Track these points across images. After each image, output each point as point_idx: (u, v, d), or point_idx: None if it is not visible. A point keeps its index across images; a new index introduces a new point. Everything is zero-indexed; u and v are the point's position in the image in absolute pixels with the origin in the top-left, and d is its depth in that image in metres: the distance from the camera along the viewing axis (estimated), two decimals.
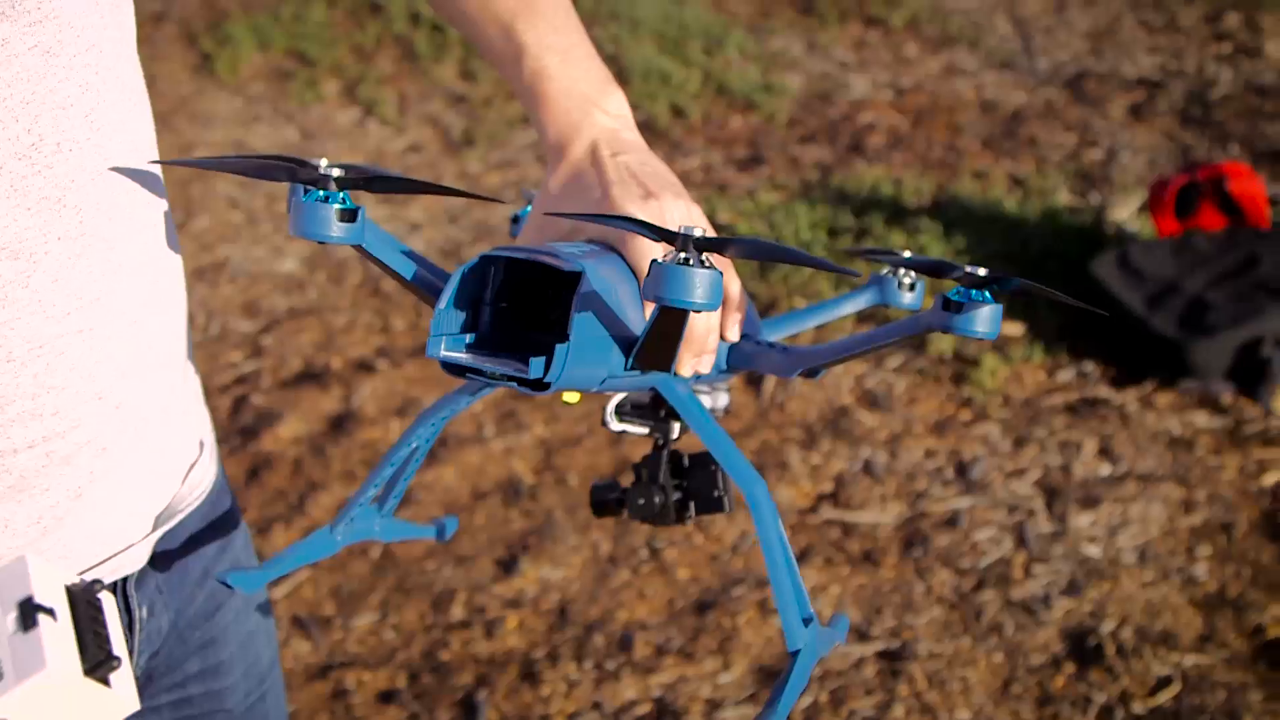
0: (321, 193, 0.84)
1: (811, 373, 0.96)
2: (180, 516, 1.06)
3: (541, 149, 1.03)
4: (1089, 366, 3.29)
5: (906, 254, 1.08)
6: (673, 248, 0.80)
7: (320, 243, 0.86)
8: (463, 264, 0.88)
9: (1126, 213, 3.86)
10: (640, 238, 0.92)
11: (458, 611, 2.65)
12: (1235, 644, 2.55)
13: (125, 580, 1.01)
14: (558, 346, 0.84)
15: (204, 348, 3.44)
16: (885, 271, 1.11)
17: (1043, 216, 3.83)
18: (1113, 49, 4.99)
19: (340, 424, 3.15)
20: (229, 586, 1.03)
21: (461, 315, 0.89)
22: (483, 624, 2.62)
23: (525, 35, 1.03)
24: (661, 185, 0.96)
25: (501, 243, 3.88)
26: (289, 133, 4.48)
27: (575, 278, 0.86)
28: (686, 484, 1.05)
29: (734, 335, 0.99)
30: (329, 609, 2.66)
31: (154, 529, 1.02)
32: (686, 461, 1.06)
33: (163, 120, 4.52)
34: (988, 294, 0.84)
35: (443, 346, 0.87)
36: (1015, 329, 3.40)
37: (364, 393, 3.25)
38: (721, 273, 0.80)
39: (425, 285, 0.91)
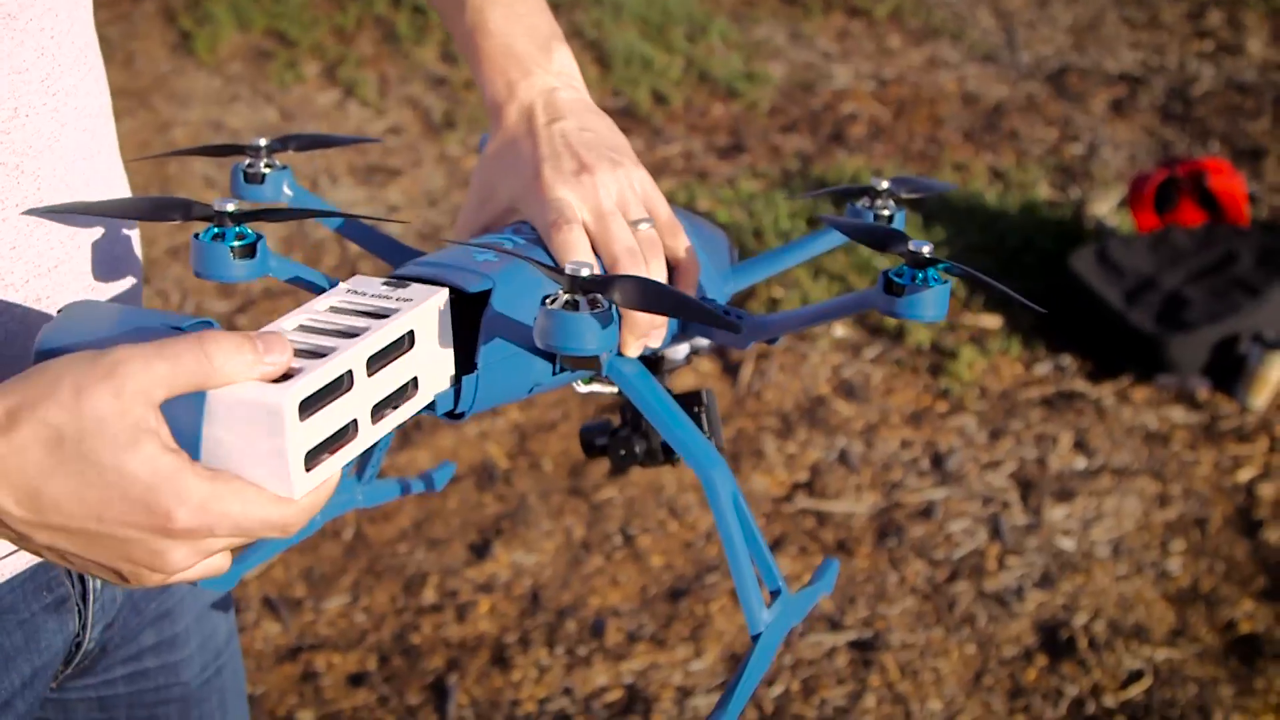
0: (215, 229, 0.82)
1: (770, 340, 0.93)
2: None
3: None
4: (1066, 360, 3.29)
5: (884, 184, 1.04)
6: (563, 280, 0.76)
7: (225, 283, 0.85)
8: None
9: (1106, 207, 3.86)
10: (559, 231, 0.88)
11: (429, 595, 2.63)
12: (1207, 638, 2.55)
13: None
14: (465, 378, 0.82)
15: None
16: (860, 203, 1.05)
17: (1022, 210, 3.83)
18: (1095, 44, 4.99)
19: None
20: (201, 587, 1.02)
21: None
22: (454, 608, 2.61)
23: None
24: (597, 156, 0.93)
25: None
26: (268, 113, 4.45)
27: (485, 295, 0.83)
28: None
29: None
30: (300, 591, 2.64)
31: None
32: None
33: (140, 98, 4.49)
34: (933, 274, 0.81)
35: None
36: (993, 321, 3.40)
37: None
38: (613, 313, 0.76)
39: None
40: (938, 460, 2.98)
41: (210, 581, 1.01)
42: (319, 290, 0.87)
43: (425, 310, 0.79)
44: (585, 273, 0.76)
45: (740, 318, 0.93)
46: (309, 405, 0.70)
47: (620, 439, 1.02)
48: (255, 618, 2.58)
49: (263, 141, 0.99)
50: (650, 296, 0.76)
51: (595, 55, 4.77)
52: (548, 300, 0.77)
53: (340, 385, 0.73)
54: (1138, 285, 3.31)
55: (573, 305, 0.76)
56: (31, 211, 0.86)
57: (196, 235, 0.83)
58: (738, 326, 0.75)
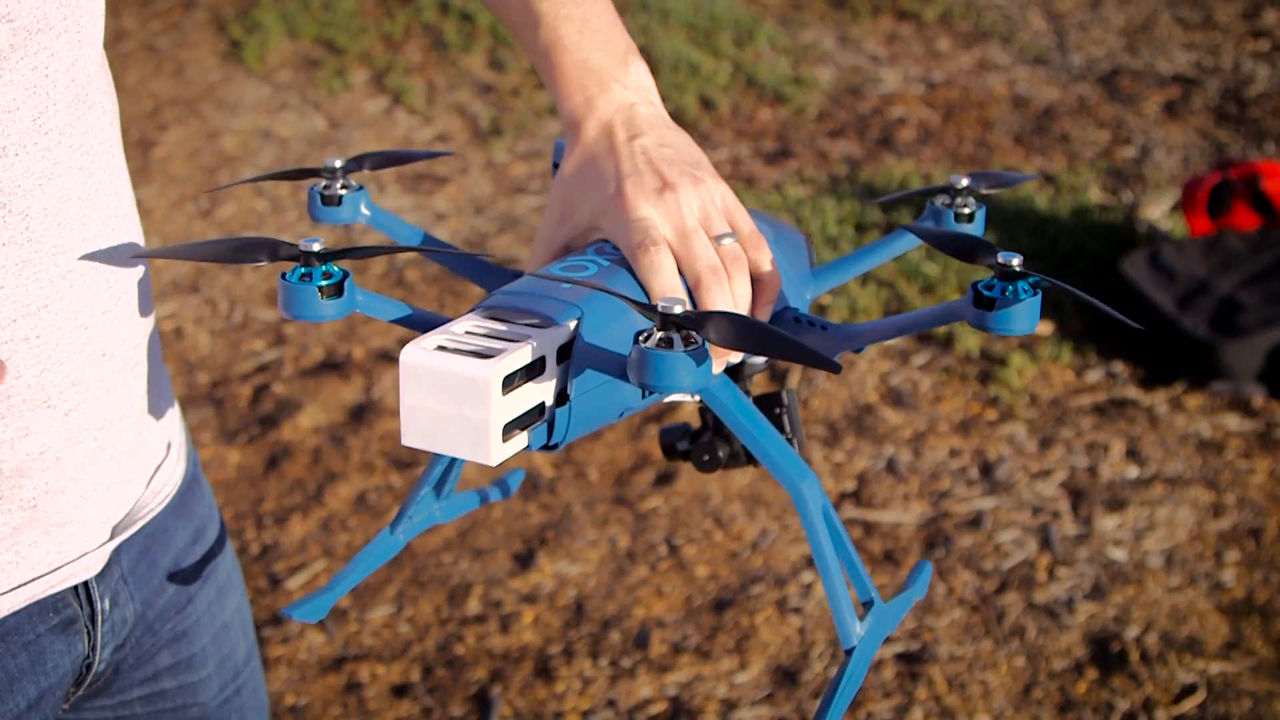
0: (304, 269, 0.82)
1: (856, 349, 0.92)
2: (142, 523, 1.04)
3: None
4: (1118, 367, 3.24)
5: (964, 181, 1.01)
6: (655, 316, 0.75)
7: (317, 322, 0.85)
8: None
9: (1159, 211, 3.81)
10: (646, 253, 0.87)
11: (473, 605, 2.63)
12: (1262, 651, 2.51)
13: None
14: (558, 411, 0.81)
15: (226, 335, 3.43)
16: (941, 202, 1.03)
17: (1073, 214, 3.79)
18: (1148, 45, 4.93)
19: (360, 414, 3.13)
20: (294, 619, 1.01)
21: None
22: (498, 618, 2.60)
23: (542, 3, 0.98)
24: (679, 173, 0.91)
25: (530, 230, 3.86)
26: (316, 121, 4.47)
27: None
28: None
29: (765, 316, 0.94)
30: (344, 601, 2.64)
31: (111, 538, 1.00)
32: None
33: (190, 107, 4.51)
34: (1024, 287, 0.80)
35: None
36: (1044, 328, 3.36)
37: (385, 383, 3.23)
38: (706, 348, 0.75)
39: (426, 329, 0.89)
40: (987, 469, 2.94)
41: (302, 612, 1.00)
42: (406, 322, 0.88)
43: (556, 336, 0.80)
44: (678, 310, 0.75)
45: (826, 328, 0.92)
46: (509, 382, 0.76)
47: (703, 444, 1.00)
48: (299, 628, 2.58)
49: (338, 163, 0.99)
50: (744, 335, 0.74)
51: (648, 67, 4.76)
52: (641, 337, 0.76)
53: (534, 369, 0.78)
54: (1191, 290, 3.27)
55: (666, 343, 0.75)
56: (137, 254, 0.88)
57: (284, 276, 0.82)
58: (837, 367, 0.74)
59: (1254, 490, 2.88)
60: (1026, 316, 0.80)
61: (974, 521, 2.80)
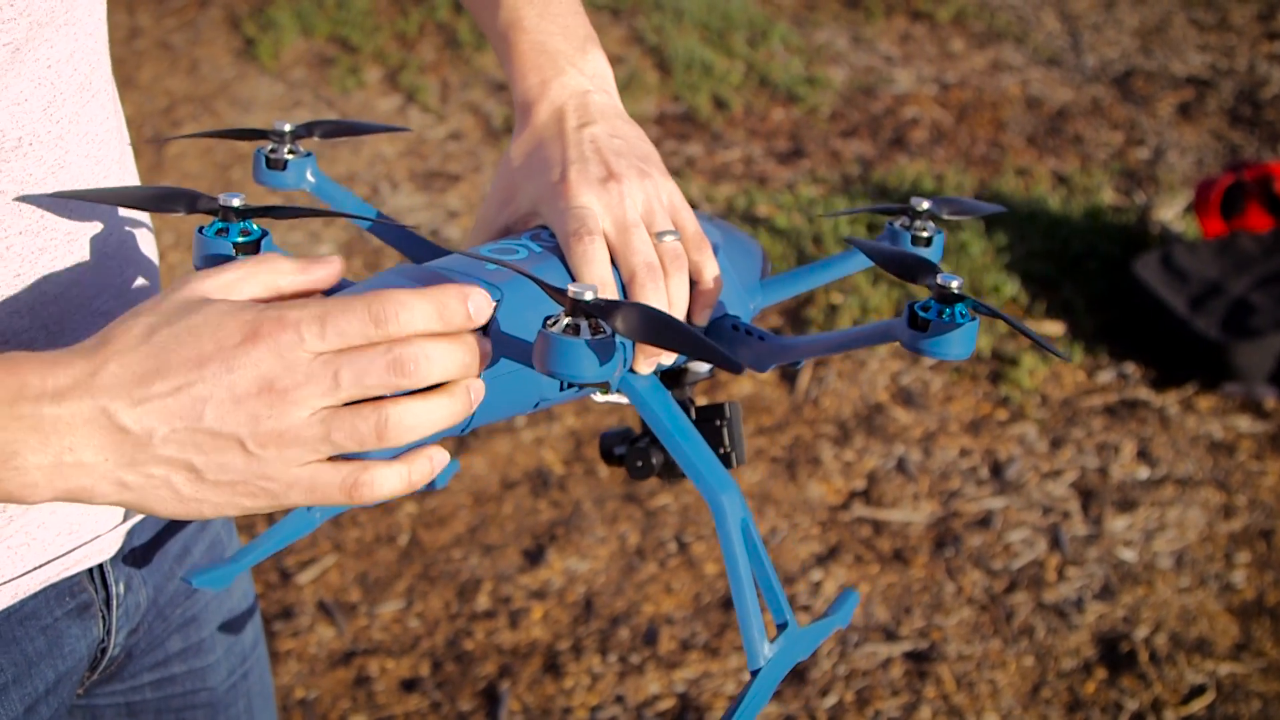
0: (221, 224, 0.81)
1: (790, 368, 0.90)
2: None
3: None
4: (1129, 368, 3.24)
5: (925, 204, 0.99)
6: (567, 305, 0.73)
7: None
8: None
9: (1172, 213, 3.80)
10: (580, 242, 0.86)
11: (483, 601, 2.63)
12: (1272, 653, 2.50)
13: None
14: None
15: None
16: (899, 223, 1.00)
17: (1086, 215, 3.78)
18: (1162, 47, 4.92)
19: None
20: (194, 585, 1.02)
21: None
22: (507, 614, 2.60)
23: None
24: (627, 165, 0.90)
25: None
26: (330, 119, 4.48)
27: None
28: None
29: (702, 320, 0.92)
30: (354, 595, 2.65)
31: (124, 520, 1.01)
32: (694, 415, 0.97)
33: (204, 104, 4.52)
34: (961, 310, 0.77)
35: None
36: (1055, 328, 3.36)
37: None
38: (615, 340, 0.73)
39: None
40: (997, 469, 2.94)
41: (204, 579, 1.00)
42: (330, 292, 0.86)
43: None
44: (588, 296, 0.73)
45: (763, 338, 0.90)
46: None
47: (638, 449, 0.98)
48: (310, 622, 2.58)
49: (287, 126, 0.97)
50: (651, 327, 0.73)
51: (656, 61, 4.76)
52: (549, 322, 0.74)
53: None
54: (1203, 292, 3.26)
55: (573, 329, 0.73)
56: (23, 199, 0.85)
57: (200, 229, 0.82)
58: (738, 367, 0.72)
59: (1265, 492, 2.87)
60: (961, 342, 0.77)
61: (984, 521, 2.80)
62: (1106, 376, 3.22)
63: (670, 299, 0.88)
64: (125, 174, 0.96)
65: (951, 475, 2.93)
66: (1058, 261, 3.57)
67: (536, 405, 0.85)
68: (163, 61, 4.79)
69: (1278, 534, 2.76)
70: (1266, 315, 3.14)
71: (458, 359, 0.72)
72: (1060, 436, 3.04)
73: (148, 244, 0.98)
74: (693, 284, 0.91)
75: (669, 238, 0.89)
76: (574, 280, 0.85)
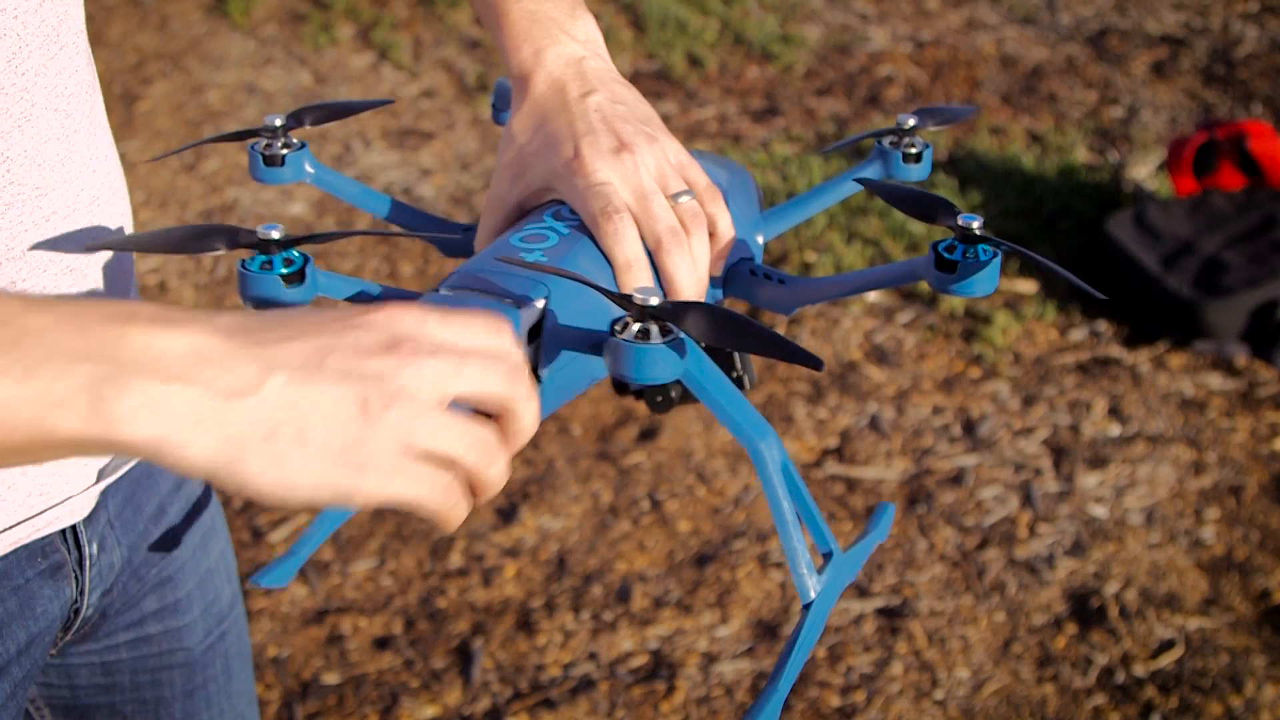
0: (264, 257, 0.81)
1: (813, 304, 0.92)
2: (127, 467, 1.04)
3: None
4: (1101, 326, 3.25)
5: (911, 121, 1.01)
6: (628, 307, 0.75)
7: None
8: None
9: (1145, 171, 3.81)
10: (608, 221, 0.86)
11: (455, 559, 2.63)
12: (1240, 608, 2.52)
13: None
14: None
15: (210, 290, 3.42)
16: (888, 141, 1.03)
17: (1060, 174, 3.78)
18: (1136, 6, 4.91)
19: None
20: (263, 586, 1.01)
21: None
22: (480, 572, 2.60)
23: None
24: (634, 131, 0.90)
25: None
26: (302, 76, 4.45)
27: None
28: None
29: (718, 270, 0.93)
30: (327, 554, 2.64)
31: (97, 481, 1.00)
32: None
33: (174, 61, 4.48)
34: (984, 249, 0.80)
35: None
36: (1028, 286, 3.36)
37: None
38: (685, 344, 0.74)
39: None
40: (969, 427, 2.95)
41: (270, 578, 0.99)
42: (371, 300, 0.86)
43: (527, 317, 0.78)
44: (655, 301, 0.74)
45: (783, 281, 0.92)
46: None
47: (656, 385, 1.00)
48: None
49: (278, 121, 0.97)
50: (724, 329, 0.74)
51: (630, 19, 4.73)
52: (617, 328, 0.75)
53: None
54: (1175, 250, 3.27)
55: (644, 335, 0.74)
56: (92, 247, 0.85)
57: (244, 264, 0.82)
58: (819, 363, 0.73)
59: (1235, 449, 2.89)
60: (988, 280, 0.80)
61: (956, 478, 2.81)
62: (1079, 334, 3.23)
63: (694, 258, 0.89)
64: (96, 128, 0.94)
65: (924, 433, 2.94)
66: (1031, 220, 3.58)
67: (589, 385, 0.87)
68: (132, 18, 4.75)
69: (1247, 491, 2.78)
70: (1238, 274, 3.15)
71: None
72: (1032, 394, 3.05)
73: (118, 202, 0.97)
74: (709, 235, 0.92)
75: (685, 198, 0.90)
76: (606, 258, 0.87)
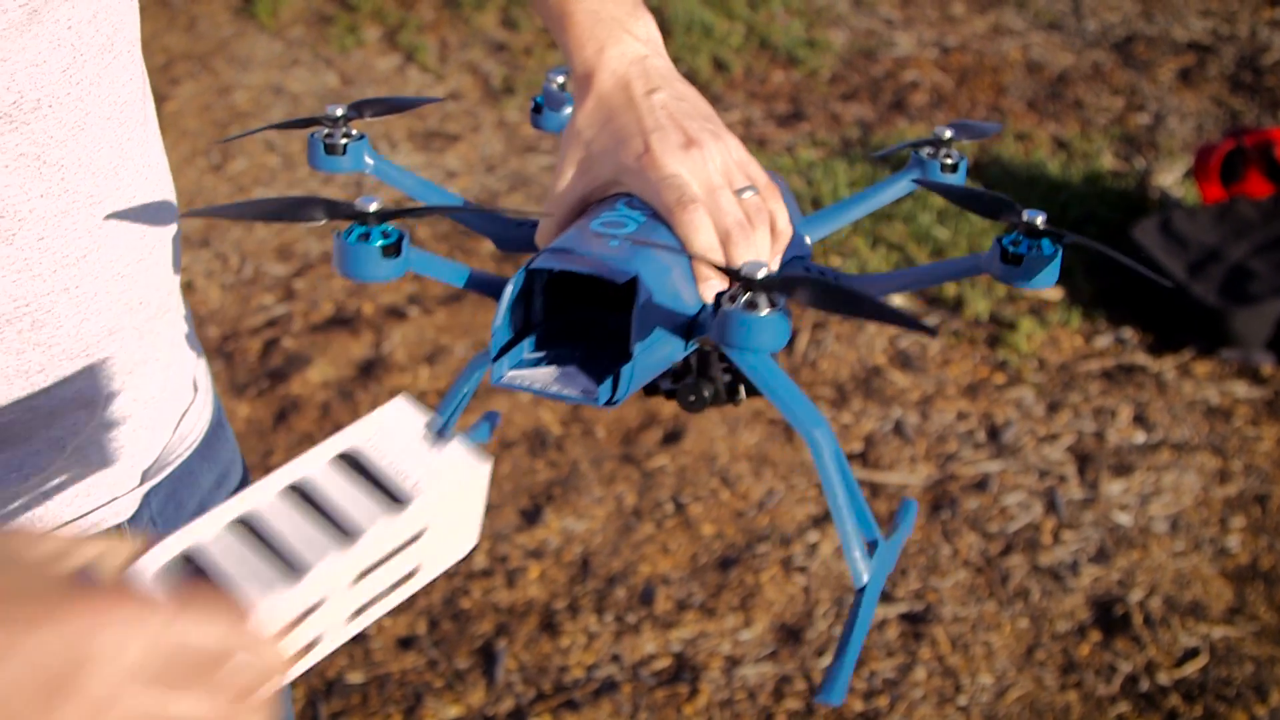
0: (361, 229, 0.82)
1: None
2: (171, 467, 1.04)
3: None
4: (1127, 333, 3.24)
5: (948, 133, 1.04)
6: (732, 280, 0.77)
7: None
8: (513, 278, 0.85)
9: (1171, 178, 3.80)
10: (686, 212, 0.88)
11: (480, 560, 2.64)
12: (1265, 617, 2.51)
13: None
14: (623, 369, 0.82)
15: (236, 290, 3.44)
16: (926, 152, 1.05)
17: (1085, 180, 3.78)
18: (1163, 12, 4.90)
19: (369, 369, 3.14)
20: None
21: (514, 326, 0.87)
22: (504, 573, 2.61)
23: None
24: (699, 128, 0.93)
25: (541, 189, 3.86)
26: (328, 78, 4.46)
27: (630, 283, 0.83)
28: (733, 366, 1.01)
29: (776, 265, 0.95)
30: None
31: (141, 483, 1.01)
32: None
33: (202, 62, 4.51)
34: (1046, 244, 0.82)
35: (505, 368, 0.85)
36: (1053, 293, 3.36)
37: (394, 339, 3.24)
38: (790, 314, 0.77)
39: (480, 289, 0.90)
40: (994, 432, 2.95)
41: None
42: (460, 280, 0.88)
43: (447, 492, 0.63)
44: (762, 274, 0.75)
45: (837, 278, 0.93)
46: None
47: (689, 385, 1.01)
48: None
49: (339, 111, 0.98)
50: (833, 298, 0.75)
51: (656, 22, 4.73)
52: (725, 298, 0.76)
53: (310, 609, 0.60)
54: (1201, 257, 3.26)
55: (752, 305, 0.76)
56: (190, 213, 0.87)
57: (341, 235, 0.83)
58: (934, 331, 0.75)
59: (1261, 457, 2.88)
60: (1052, 273, 0.83)
61: (980, 484, 2.81)
62: (1104, 341, 3.22)
63: (758, 251, 0.91)
64: (148, 135, 0.95)
65: (948, 438, 2.93)
66: (1056, 226, 3.56)
67: (666, 365, 0.88)
68: (160, 18, 4.77)
69: (1273, 499, 2.77)
70: (1265, 281, 3.14)
71: None
72: (1057, 400, 3.04)
73: (168, 209, 0.98)
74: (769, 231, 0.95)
75: (749, 193, 0.92)
76: (682, 246, 0.89)
